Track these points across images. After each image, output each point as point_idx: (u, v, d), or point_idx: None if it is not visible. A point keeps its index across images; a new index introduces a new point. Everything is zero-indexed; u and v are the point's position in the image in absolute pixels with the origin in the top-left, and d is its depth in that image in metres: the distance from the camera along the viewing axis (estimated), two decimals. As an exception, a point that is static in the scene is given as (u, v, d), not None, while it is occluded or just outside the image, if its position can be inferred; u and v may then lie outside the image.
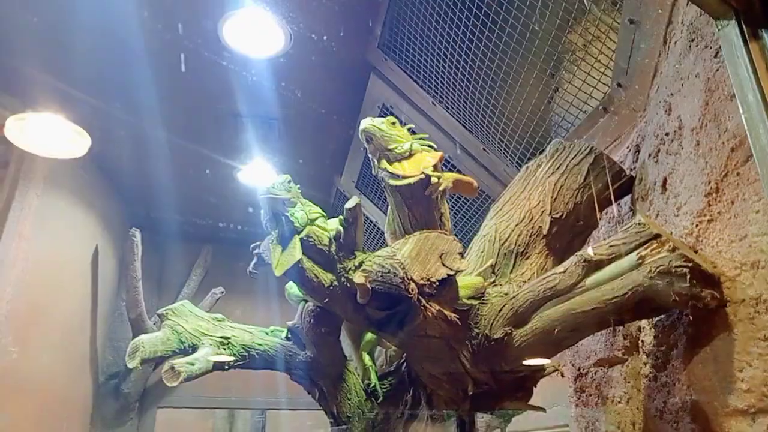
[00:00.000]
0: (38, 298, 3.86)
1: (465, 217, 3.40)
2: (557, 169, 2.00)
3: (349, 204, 1.54)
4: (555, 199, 1.94)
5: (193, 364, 1.90)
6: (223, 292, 5.26)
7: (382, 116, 1.88)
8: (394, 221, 1.90)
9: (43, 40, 3.28)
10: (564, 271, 1.54)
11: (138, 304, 4.62)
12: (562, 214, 1.92)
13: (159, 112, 3.89)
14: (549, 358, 1.75)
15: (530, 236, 1.91)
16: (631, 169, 2.06)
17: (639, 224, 1.42)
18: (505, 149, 2.83)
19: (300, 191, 1.63)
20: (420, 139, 1.84)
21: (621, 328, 2.01)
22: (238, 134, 4.12)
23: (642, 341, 1.84)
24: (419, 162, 1.77)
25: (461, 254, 1.55)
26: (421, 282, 1.48)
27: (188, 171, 4.67)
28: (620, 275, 1.42)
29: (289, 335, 2.13)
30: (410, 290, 1.44)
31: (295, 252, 1.52)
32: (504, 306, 1.65)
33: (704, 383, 1.41)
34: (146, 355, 1.92)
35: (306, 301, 1.98)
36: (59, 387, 4.16)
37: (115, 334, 5.19)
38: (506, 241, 1.92)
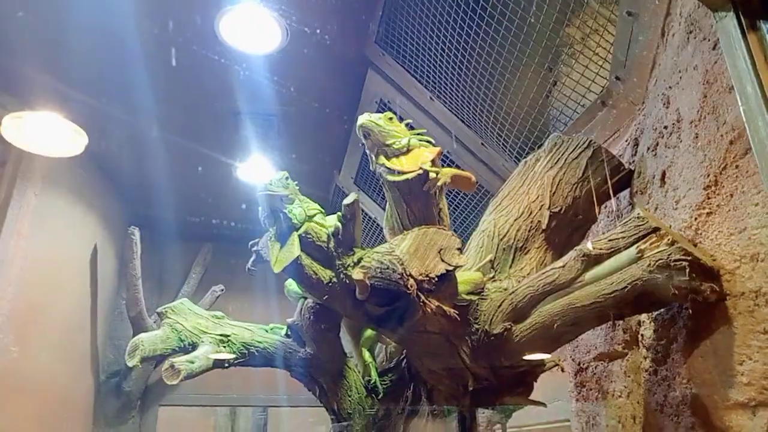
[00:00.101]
0: (38, 297, 3.86)
1: (464, 212, 3.40)
2: (556, 163, 1.99)
3: (348, 200, 1.53)
4: (554, 193, 1.93)
5: (193, 362, 1.90)
6: (222, 290, 5.26)
7: (380, 112, 1.87)
8: (393, 217, 1.90)
9: (40, 39, 3.27)
10: (563, 266, 1.54)
11: (138, 303, 4.61)
12: (561, 209, 1.91)
13: (157, 110, 3.88)
14: (549, 353, 1.74)
15: (529, 231, 1.91)
16: (629, 163, 2.05)
17: (638, 218, 1.42)
18: (503, 144, 2.83)
19: (298, 188, 1.63)
20: (418, 134, 1.84)
21: (621, 322, 2.01)
22: (236, 131, 4.11)
23: (642, 335, 1.84)
24: (417, 157, 1.77)
25: (460, 250, 1.55)
26: (420, 278, 1.47)
27: (187, 169, 4.66)
28: (619, 269, 1.42)
29: (289, 332, 2.12)
30: (409, 286, 1.44)
31: (294, 249, 1.52)
32: (503, 301, 1.64)
33: (704, 377, 1.41)
34: (146, 353, 1.91)
35: (305, 297, 1.98)
36: (60, 386, 4.17)
37: (116, 333, 5.19)
38: (505, 236, 1.92)
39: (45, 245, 3.93)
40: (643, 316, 1.81)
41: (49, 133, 3.37)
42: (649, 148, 1.85)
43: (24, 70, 3.43)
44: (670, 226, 1.52)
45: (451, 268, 1.51)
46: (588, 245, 1.50)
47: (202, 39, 3.24)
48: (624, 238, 1.43)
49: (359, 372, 2.15)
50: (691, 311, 1.46)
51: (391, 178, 1.76)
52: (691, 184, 1.50)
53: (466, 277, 1.70)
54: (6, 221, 3.59)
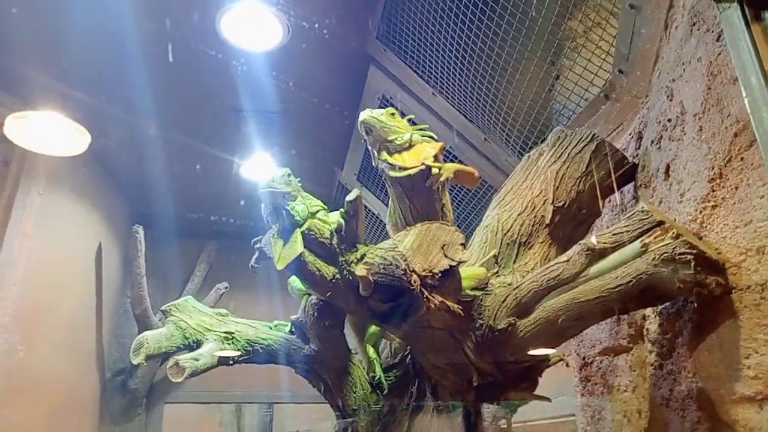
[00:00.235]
0: (43, 296, 3.88)
1: (467, 207, 3.39)
2: (559, 157, 1.98)
3: (350, 196, 1.53)
4: (557, 187, 1.92)
5: (197, 360, 1.90)
6: (227, 288, 5.27)
7: (382, 107, 1.86)
8: (396, 213, 1.90)
9: (41, 39, 3.28)
10: (567, 260, 1.54)
11: (143, 301, 4.63)
12: (565, 203, 1.91)
13: (159, 109, 3.88)
14: (553, 347, 1.74)
15: (533, 226, 1.90)
16: (633, 156, 2.04)
17: (642, 211, 1.41)
18: (506, 138, 2.82)
19: (300, 184, 1.62)
20: (420, 129, 1.83)
21: (625, 316, 2.00)
22: (239, 129, 4.11)
23: (647, 329, 1.83)
24: (420, 153, 1.76)
25: (463, 245, 1.54)
26: (424, 273, 1.47)
27: (189, 167, 4.66)
28: (624, 263, 1.41)
29: (293, 329, 2.12)
30: (412, 282, 1.43)
31: (297, 246, 1.51)
32: (507, 296, 1.64)
33: (710, 370, 1.40)
34: (151, 351, 1.92)
35: (309, 294, 1.98)
36: (67, 384, 4.19)
37: (121, 331, 5.21)
38: (509, 231, 1.91)
39: (49, 245, 3.94)
40: (648, 311, 1.80)
41: (52, 132, 3.38)
42: (652, 142, 1.84)
43: (26, 70, 3.44)
44: (675, 220, 1.52)
45: (454, 263, 1.50)
46: (592, 239, 1.50)
47: (203, 37, 3.24)
48: (628, 232, 1.42)
49: (364, 368, 2.15)
50: (696, 305, 1.46)
51: (393, 174, 1.76)
52: (696, 177, 1.49)
53: (469, 273, 1.70)
54: (11, 221, 3.60)
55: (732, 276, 1.32)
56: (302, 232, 1.54)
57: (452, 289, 1.57)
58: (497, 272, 1.82)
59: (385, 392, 2.08)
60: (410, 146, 1.77)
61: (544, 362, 1.81)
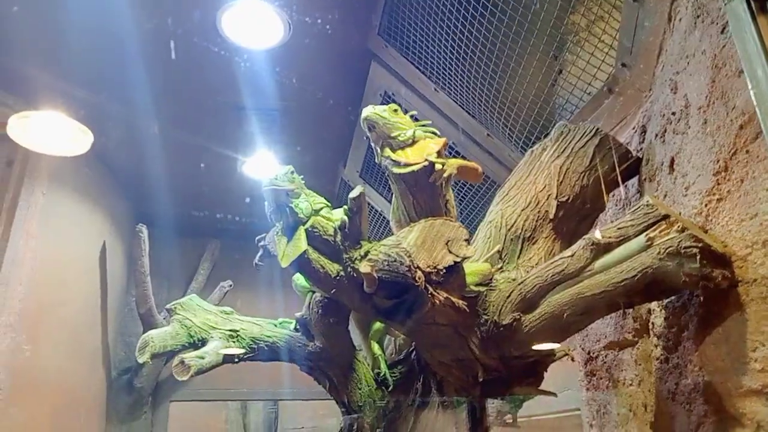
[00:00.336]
0: (48, 296, 3.89)
1: (470, 203, 3.38)
2: (562, 152, 1.97)
3: (354, 193, 1.52)
4: (561, 182, 1.92)
5: (203, 358, 1.91)
6: (231, 286, 5.28)
7: (384, 104, 1.86)
8: (399, 209, 1.89)
9: (43, 39, 3.28)
10: (572, 255, 1.53)
11: (147, 300, 4.64)
12: (569, 198, 1.90)
13: (161, 108, 3.88)
14: (559, 342, 1.74)
15: (537, 221, 1.90)
16: (637, 150, 2.03)
17: (647, 205, 1.40)
18: (509, 134, 2.81)
19: (303, 182, 1.62)
20: (423, 125, 1.82)
21: (631, 310, 1.99)
22: (241, 127, 4.11)
23: (652, 323, 1.83)
24: (423, 149, 1.76)
25: (467, 241, 1.54)
26: (428, 270, 1.47)
27: (192, 165, 4.67)
28: (629, 257, 1.40)
29: (298, 326, 2.13)
30: (417, 278, 1.43)
31: (301, 243, 1.51)
32: (512, 292, 1.64)
33: (717, 364, 1.40)
34: (156, 349, 1.93)
35: (313, 292, 1.98)
36: (73, 383, 4.20)
37: (126, 330, 5.22)
38: (513, 226, 1.91)
39: (53, 244, 3.95)
40: (654, 304, 1.79)
41: (55, 132, 3.38)
42: (657, 135, 1.83)
43: (28, 70, 3.44)
44: (680, 213, 1.51)
45: (458, 259, 1.50)
46: (597, 234, 1.49)
47: (204, 35, 3.24)
48: (633, 226, 1.41)
49: (369, 365, 2.16)
50: (702, 298, 1.45)
51: (396, 170, 1.75)
52: (701, 170, 1.48)
53: (474, 269, 1.70)
54: (15, 221, 3.61)
55: (738, 269, 1.31)
56: (306, 230, 1.54)
57: (457, 285, 1.57)
58: (501, 268, 1.81)
59: (390, 388, 2.08)
60: (413, 142, 1.77)
61: (549, 357, 1.81)
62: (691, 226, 1.35)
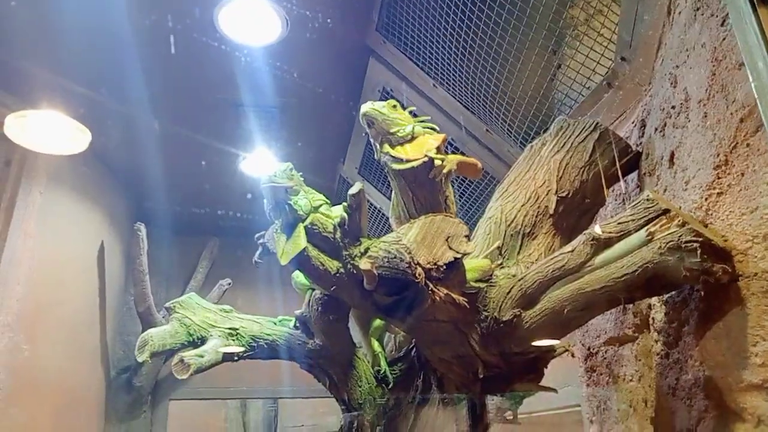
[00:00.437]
0: (46, 295, 3.88)
1: (470, 199, 3.38)
2: (562, 147, 1.97)
3: (353, 190, 1.52)
4: (561, 177, 1.91)
5: (202, 356, 1.91)
6: (230, 284, 5.27)
7: (383, 100, 1.85)
8: (399, 206, 1.89)
9: (40, 37, 3.26)
10: (572, 251, 1.53)
11: (146, 298, 4.63)
12: (569, 193, 1.90)
13: (159, 106, 3.87)
14: (559, 338, 1.73)
15: (537, 216, 1.89)
16: (637, 145, 2.03)
17: (647, 200, 1.40)
18: (508, 129, 2.80)
19: (302, 179, 1.61)
20: (422, 121, 1.82)
21: (631, 306, 1.99)
22: (239, 124, 4.09)
23: (653, 318, 1.82)
24: (422, 145, 1.75)
25: (467, 237, 1.54)
26: (428, 266, 1.46)
27: (191, 163, 4.65)
28: (630, 252, 1.40)
29: (297, 324, 2.12)
30: (417, 275, 1.43)
31: (300, 240, 1.51)
32: (512, 288, 1.63)
33: (717, 359, 1.40)
34: (155, 348, 1.92)
35: (313, 289, 1.97)
36: (72, 383, 4.20)
37: (125, 329, 5.22)
38: (512, 222, 1.90)
39: (52, 244, 3.94)
40: (654, 300, 1.79)
41: (53, 131, 3.37)
42: (656, 129, 1.82)
43: (25, 68, 3.42)
44: (680, 208, 1.50)
45: (459, 255, 1.49)
46: (597, 229, 1.48)
47: (201, 32, 3.22)
48: (633, 220, 1.41)
49: (369, 362, 2.15)
50: (702, 293, 1.45)
51: (396, 166, 1.75)
52: (701, 164, 1.48)
53: (474, 265, 1.69)
54: (13, 221, 3.60)
55: (739, 263, 1.31)
56: (305, 227, 1.53)
57: (457, 282, 1.56)
58: (501, 264, 1.81)
59: (390, 386, 2.08)
60: (412, 138, 1.76)
61: (549, 353, 1.80)
62: (691, 221, 1.34)
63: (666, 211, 1.36)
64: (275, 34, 3.23)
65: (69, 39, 3.24)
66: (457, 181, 3.19)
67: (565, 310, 1.52)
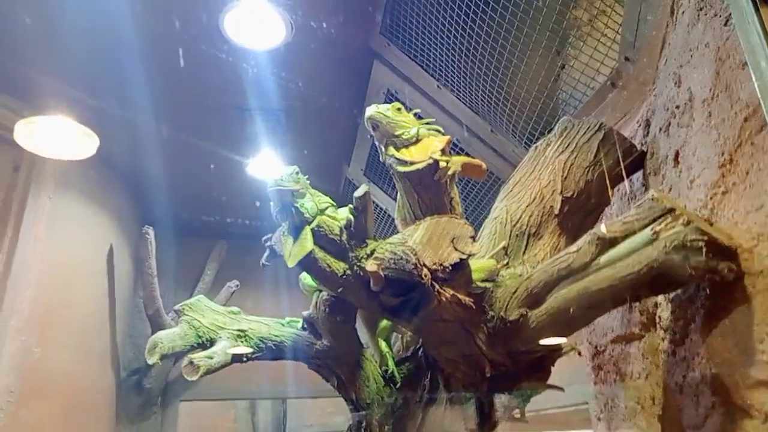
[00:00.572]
0: (56, 298, 3.92)
1: (475, 200, 3.39)
2: (567, 147, 1.97)
3: (358, 192, 1.53)
4: (565, 177, 1.92)
5: (211, 358, 1.92)
6: (238, 286, 5.29)
7: (388, 102, 1.86)
8: (404, 208, 1.90)
9: (47, 44, 3.29)
10: (577, 250, 1.53)
11: (155, 301, 4.66)
12: (574, 193, 1.90)
13: (165, 110, 3.90)
14: (565, 337, 1.74)
15: (542, 216, 1.90)
16: (641, 144, 2.03)
17: (652, 199, 1.40)
18: (513, 130, 2.81)
19: (308, 182, 1.63)
20: (426, 123, 1.83)
21: (637, 304, 1.99)
22: (245, 128, 4.12)
23: (659, 317, 1.83)
24: (427, 147, 1.76)
25: (473, 238, 1.55)
26: (434, 267, 1.47)
27: (197, 167, 4.69)
28: (635, 251, 1.40)
29: (305, 325, 2.14)
30: (423, 276, 1.44)
31: (307, 243, 1.52)
32: (518, 287, 1.64)
33: (724, 356, 1.40)
34: (165, 350, 1.94)
35: (320, 291, 1.99)
36: (82, 385, 4.23)
37: (134, 331, 5.25)
38: (518, 222, 1.91)
39: (61, 248, 3.98)
40: (660, 298, 1.79)
41: (61, 136, 3.41)
42: (661, 129, 1.83)
43: (33, 75, 3.46)
44: (685, 206, 1.51)
45: (464, 256, 1.50)
46: (602, 228, 1.49)
47: (207, 37, 3.25)
48: (638, 220, 1.41)
49: (376, 362, 2.16)
50: (708, 291, 1.45)
51: (401, 168, 1.76)
52: (706, 163, 1.48)
53: (479, 265, 1.70)
54: (23, 225, 3.64)
55: (744, 261, 1.31)
56: (312, 229, 1.55)
57: (463, 282, 1.57)
58: (507, 264, 1.82)
59: (398, 385, 2.09)
60: (417, 140, 1.77)
61: (556, 352, 1.81)
62: (696, 219, 1.35)
63: (671, 210, 1.36)
64: (280, 38, 3.25)
65: (75, 45, 3.28)
66: (462, 182, 3.20)
67: (571, 309, 1.52)
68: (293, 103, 3.93)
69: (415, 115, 1.84)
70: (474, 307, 1.60)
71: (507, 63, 2.52)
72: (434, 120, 1.86)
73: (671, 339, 1.70)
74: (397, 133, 1.76)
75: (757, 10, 1.12)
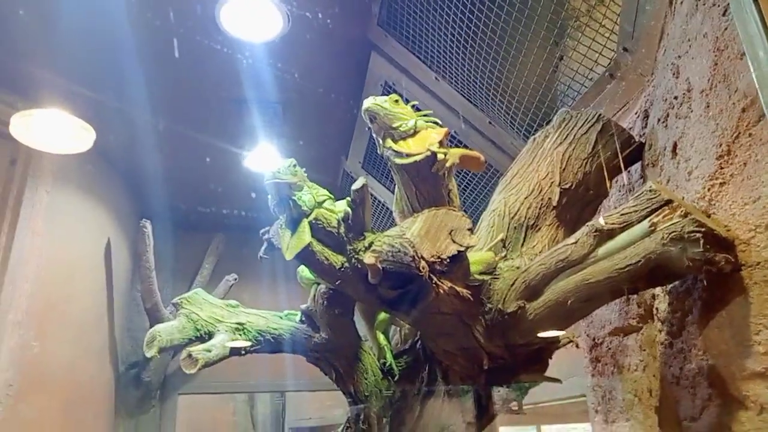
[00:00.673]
0: (54, 292, 3.91)
1: (474, 192, 3.38)
2: (565, 139, 1.97)
3: (356, 185, 1.52)
4: (564, 169, 1.91)
5: (209, 351, 1.92)
6: (236, 279, 5.30)
7: (385, 94, 1.85)
8: (402, 200, 1.90)
9: (43, 37, 3.27)
10: (575, 242, 1.53)
11: (153, 295, 4.66)
12: (572, 185, 1.90)
13: (162, 103, 3.89)
14: (563, 329, 1.74)
15: (540, 208, 1.90)
16: (640, 135, 2.02)
17: (650, 191, 1.40)
18: (511, 121, 2.80)
19: (306, 174, 1.62)
20: (424, 115, 1.82)
21: (635, 296, 2.00)
22: (242, 120, 4.11)
23: (656, 309, 1.83)
24: (424, 139, 1.75)
25: (471, 230, 1.54)
26: (432, 259, 1.47)
27: (195, 160, 4.67)
28: (632, 243, 1.40)
29: (303, 318, 2.14)
30: (421, 268, 1.44)
31: (305, 235, 1.52)
32: (516, 280, 1.64)
33: (720, 347, 1.40)
34: (163, 343, 1.94)
35: (318, 283, 1.99)
36: (81, 379, 4.24)
37: (133, 325, 5.25)
38: (516, 214, 1.91)
39: (59, 242, 3.97)
40: (658, 290, 1.80)
41: (58, 130, 3.39)
42: (659, 120, 1.82)
43: (29, 68, 3.44)
44: (683, 198, 1.51)
45: (462, 248, 1.50)
46: (600, 220, 1.49)
47: (203, 29, 3.23)
48: (636, 211, 1.41)
49: (374, 355, 2.17)
50: (705, 283, 1.45)
51: (398, 161, 1.75)
52: (704, 154, 1.48)
53: (477, 257, 1.70)
54: (20, 219, 3.63)
55: (741, 253, 1.32)
56: (309, 222, 1.54)
57: (461, 274, 1.57)
58: (505, 256, 1.82)
59: (396, 378, 2.09)
60: (415, 133, 1.77)
61: (554, 344, 1.81)
62: (694, 211, 1.35)
63: (669, 202, 1.36)
64: (277, 30, 3.23)
65: (71, 38, 3.26)
66: (460, 174, 3.19)
67: (569, 302, 1.52)
68: (290, 96, 3.92)
69: (412, 107, 1.83)
70: (472, 299, 1.60)
71: (505, 54, 2.51)
72: (432, 112, 1.85)
73: (668, 331, 1.71)
74: (394, 125, 1.76)
75: (755, 0, 1.11)
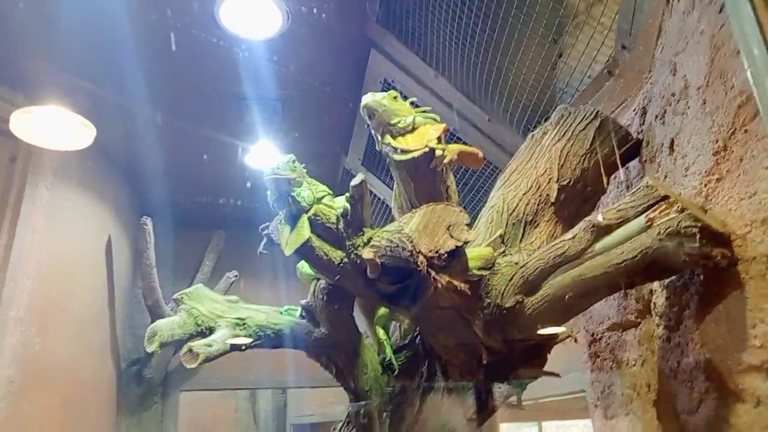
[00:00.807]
0: (56, 289, 3.93)
1: (472, 189, 3.39)
2: (563, 135, 1.98)
3: (355, 181, 1.53)
4: (562, 166, 1.92)
5: (210, 346, 1.93)
6: (237, 276, 5.31)
7: (384, 91, 1.86)
8: (401, 196, 1.91)
9: (43, 33, 3.28)
10: (573, 238, 1.54)
11: (154, 291, 4.67)
12: (570, 181, 1.91)
13: (163, 99, 3.89)
14: (561, 324, 1.75)
15: (538, 205, 1.91)
16: (638, 132, 2.03)
17: (647, 187, 1.41)
18: (509, 118, 2.81)
19: (305, 170, 1.63)
20: (423, 112, 1.83)
21: (633, 291, 2.01)
22: (242, 117, 4.11)
23: (654, 303, 1.84)
24: (423, 135, 1.76)
25: (469, 225, 1.55)
26: (430, 254, 1.48)
27: (195, 156, 4.68)
28: (629, 238, 1.41)
29: (303, 313, 2.15)
30: (419, 263, 1.45)
31: (304, 231, 1.53)
32: (514, 275, 1.65)
33: (717, 341, 1.42)
34: (164, 339, 1.95)
35: (317, 279, 2.00)
36: (83, 376, 4.26)
37: (134, 321, 5.27)
38: (514, 210, 1.92)
39: (59, 239, 3.98)
40: (655, 285, 1.81)
41: (58, 127, 3.39)
42: (657, 117, 1.83)
43: (29, 65, 3.45)
44: (680, 194, 1.52)
45: (460, 243, 1.51)
46: (597, 216, 1.50)
47: (203, 26, 3.23)
48: (633, 207, 1.42)
49: (374, 350, 2.18)
50: (702, 277, 1.46)
51: (397, 157, 1.76)
52: (700, 150, 1.49)
53: (476, 253, 1.71)
54: (21, 216, 3.64)
55: (737, 248, 1.32)
56: (308, 218, 1.55)
57: (459, 270, 1.58)
58: (504, 252, 1.83)
59: (396, 373, 2.10)
60: (413, 129, 1.77)
61: (552, 339, 1.83)
62: (690, 206, 1.35)
63: (665, 198, 1.37)
64: (276, 27, 3.24)
65: (71, 35, 3.26)
66: (459, 171, 3.20)
67: (567, 297, 1.54)
68: (290, 93, 3.92)
69: (411, 103, 1.84)
70: (470, 294, 1.61)
71: (504, 51, 2.52)
72: (430, 108, 1.86)
73: (666, 325, 1.72)
74: (393, 121, 1.76)
75: (750, -3, 1.12)
